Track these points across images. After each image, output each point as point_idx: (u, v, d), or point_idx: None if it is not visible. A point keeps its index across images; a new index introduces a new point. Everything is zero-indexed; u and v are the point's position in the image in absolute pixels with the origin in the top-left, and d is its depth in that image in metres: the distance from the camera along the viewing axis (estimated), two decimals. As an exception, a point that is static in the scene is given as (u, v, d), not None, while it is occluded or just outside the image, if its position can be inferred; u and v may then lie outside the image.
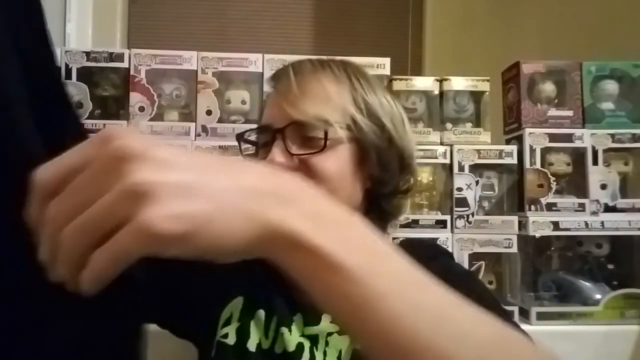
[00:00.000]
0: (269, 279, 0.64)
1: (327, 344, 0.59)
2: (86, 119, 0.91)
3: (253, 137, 0.69)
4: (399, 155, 0.64)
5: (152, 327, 0.86)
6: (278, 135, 0.60)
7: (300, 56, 0.96)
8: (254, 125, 0.93)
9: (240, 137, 0.68)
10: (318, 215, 0.31)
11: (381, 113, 0.63)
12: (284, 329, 0.61)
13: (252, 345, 0.61)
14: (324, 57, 0.67)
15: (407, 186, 0.67)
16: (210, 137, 0.92)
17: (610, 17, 1.59)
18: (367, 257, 0.31)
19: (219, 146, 0.91)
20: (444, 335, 0.31)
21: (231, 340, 0.62)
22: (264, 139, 0.64)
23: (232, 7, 1.94)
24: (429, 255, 0.61)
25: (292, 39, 1.94)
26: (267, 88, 0.93)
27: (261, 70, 0.96)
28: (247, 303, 0.64)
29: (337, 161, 0.60)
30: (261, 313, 0.63)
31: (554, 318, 0.92)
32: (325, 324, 0.60)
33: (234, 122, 0.95)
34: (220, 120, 0.94)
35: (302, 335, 0.60)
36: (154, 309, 0.68)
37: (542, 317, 0.92)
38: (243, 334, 0.62)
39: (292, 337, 0.60)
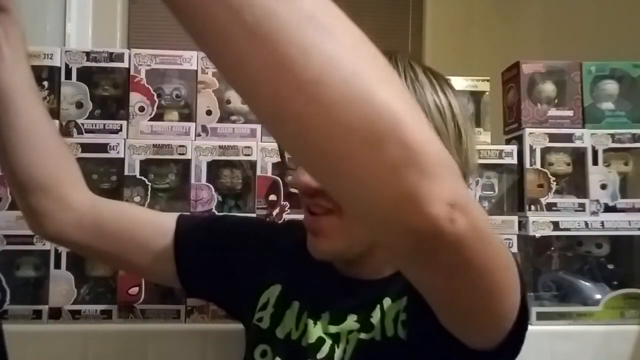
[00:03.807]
0: (307, 275, 0.65)
1: (347, 342, 0.59)
2: (86, 119, 0.91)
3: None
4: None
5: (152, 327, 0.86)
6: None
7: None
8: (254, 126, 0.93)
9: None
10: None
11: None
12: (310, 321, 0.62)
13: (280, 332, 0.63)
14: None
15: None
16: (210, 137, 0.92)
17: (610, 17, 1.59)
18: None
19: (219, 146, 0.91)
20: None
21: (265, 324, 0.65)
22: None
23: (232, 7, 1.93)
24: None
25: (292, 39, 1.94)
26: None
27: (261, 70, 0.95)
28: (284, 291, 0.66)
29: None
30: (296, 304, 0.65)
31: (554, 318, 0.92)
32: (349, 323, 0.60)
33: (234, 122, 0.95)
34: (220, 120, 0.94)
35: (326, 333, 0.61)
36: (207, 288, 0.74)
37: (542, 317, 0.92)
38: (276, 321, 0.64)
39: (315, 330, 0.61)
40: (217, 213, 0.90)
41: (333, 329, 0.61)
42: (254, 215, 0.90)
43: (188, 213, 0.84)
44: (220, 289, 0.73)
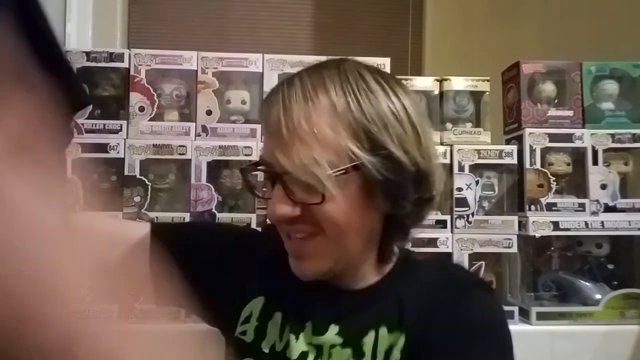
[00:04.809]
0: (288, 284, 0.63)
1: (330, 355, 0.59)
2: (86, 119, 0.91)
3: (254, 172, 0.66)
4: (413, 176, 0.56)
5: (151, 327, 0.86)
6: (277, 180, 0.56)
7: (300, 56, 0.96)
8: (254, 126, 0.94)
9: (244, 172, 0.66)
10: None
11: (386, 138, 0.54)
12: (292, 336, 0.61)
13: (265, 346, 0.63)
14: (322, 74, 0.57)
15: (429, 195, 0.60)
16: (210, 137, 0.92)
17: (610, 17, 1.59)
18: None
19: (219, 146, 0.91)
20: None
21: (249, 338, 0.64)
22: (267, 176, 0.61)
23: (232, 7, 1.94)
24: (452, 286, 0.59)
25: (292, 39, 1.94)
26: (267, 88, 0.93)
27: (261, 70, 0.96)
28: (267, 304, 0.65)
29: (341, 205, 0.55)
30: (278, 316, 0.64)
31: (554, 318, 0.92)
32: (330, 336, 0.60)
33: (234, 122, 0.95)
34: (220, 120, 0.94)
35: (310, 344, 0.60)
36: (191, 299, 0.70)
37: (542, 317, 0.92)
38: (260, 334, 0.63)
39: (298, 344, 0.60)
40: (217, 213, 0.90)
41: (317, 340, 0.60)
42: (250, 215, 0.90)
43: (161, 222, 0.82)
44: (199, 302, 0.68)
